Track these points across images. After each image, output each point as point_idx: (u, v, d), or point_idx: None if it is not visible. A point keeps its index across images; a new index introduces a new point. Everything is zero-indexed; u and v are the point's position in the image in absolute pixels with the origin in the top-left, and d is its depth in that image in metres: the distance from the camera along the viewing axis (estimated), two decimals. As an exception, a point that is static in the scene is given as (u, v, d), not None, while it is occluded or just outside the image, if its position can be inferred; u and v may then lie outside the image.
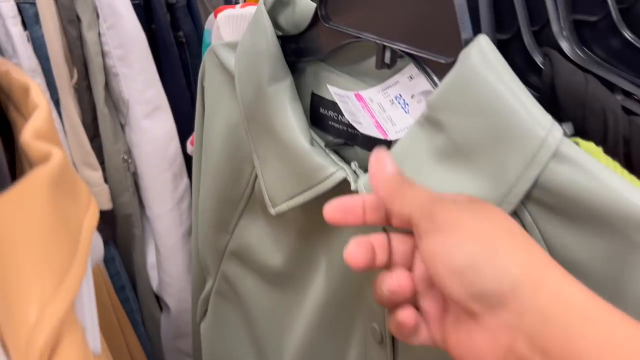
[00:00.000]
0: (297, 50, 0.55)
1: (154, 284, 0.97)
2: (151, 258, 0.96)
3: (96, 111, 0.85)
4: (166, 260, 0.94)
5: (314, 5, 0.53)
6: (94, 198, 0.43)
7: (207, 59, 0.62)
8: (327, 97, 0.54)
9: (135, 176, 0.91)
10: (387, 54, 0.47)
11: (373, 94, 0.49)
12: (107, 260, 0.92)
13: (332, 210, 0.39)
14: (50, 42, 0.80)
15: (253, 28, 0.54)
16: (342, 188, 0.47)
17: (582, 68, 0.41)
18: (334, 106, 0.54)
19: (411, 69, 0.47)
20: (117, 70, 0.83)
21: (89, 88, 0.84)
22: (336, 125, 0.54)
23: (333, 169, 0.48)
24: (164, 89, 0.87)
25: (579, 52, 0.43)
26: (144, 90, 0.85)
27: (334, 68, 0.54)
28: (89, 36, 0.82)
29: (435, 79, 0.43)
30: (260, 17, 0.53)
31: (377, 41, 0.47)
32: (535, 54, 0.45)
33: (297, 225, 0.56)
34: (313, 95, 0.55)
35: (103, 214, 0.89)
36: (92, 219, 0.41)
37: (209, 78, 0.62)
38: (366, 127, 0.48)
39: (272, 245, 0.60)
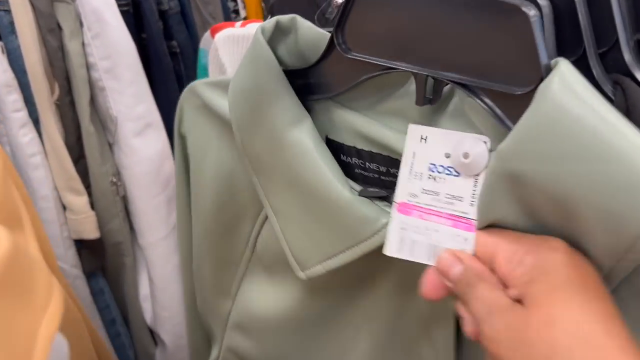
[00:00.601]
0: (304, 87, 0.45)
1: (148, 317, 0.88)
2: (144, 289, 0.87)
3: (80, 130, 0.77)
4: (160, 292, 0.85)
5: (321, 32, 0.44)
6: (57, 291, 0.34)
7: (185, 101, 0.53)
8: (348, 142, 0.45)
9: (125, 200, 0.82)
10: (430, 86, 0.39)
11: (407, 189, 0.41)
12: (96, 293, 0.83)
13: (428, 289, 0.39)
14: (27, 53, 0.71)
15: (251, 63, 0.44)
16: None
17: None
18: (357, 154, 0.44)
19: (416, 130, 0.40)
20: (103, 83, 0.75)
21: (72, 104, 0.76)
22: (365, 173, 0.45)
23: (385, 219, 0.41)
24: (156, 103, 0.79)
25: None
26: (134, 105, 0.76)
27: (346, 105, 0.45)
28: (72, 46, 0.73)
29: (500, 113, 0.36)
30: (259, 50, 0.43)
31: (418, 72, 0.38)
32: (605, 84, 0.39)
33: (323, 286, 0.48)
34: (329, 141, 0.46)
35: (90, 242, 0.80)
36: (50, 324, 0.32)
37: (191, 124, 0.54)
38: (444, 232, 0.39)
39: (285, 313, 0.52)
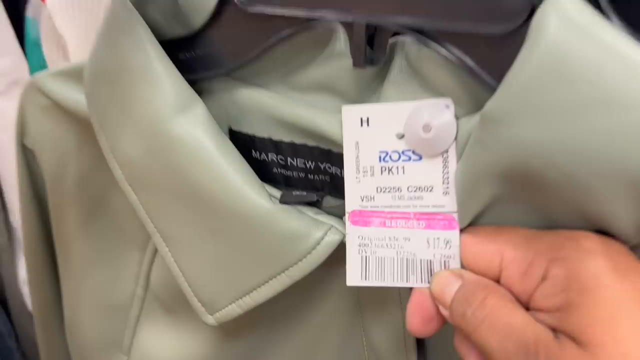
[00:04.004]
0: (191, 61, 0.33)
1: (29, 301, 0.74)
2: (23, 272, 0.75)
3: None
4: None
5: None
6: None
7: (27, 103, 0.39)
8: (260, 133, 0.33)
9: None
10: (379, 41, 0.28)
11: (357, 192, 0.30)
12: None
13: (418, 323, 0.29)
14: None
15: (111, 35, 0.32)
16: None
17: None
18: (275, 147, 0.33)
19: (352, 113, 0.29)
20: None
21: None
22: (287, 172, 0.34)
23: (320, 232, 0.30)
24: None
25: None
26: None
27: (252, 82, 0.33)
28: None
29: (472, 64, 0.26)
30: (121, 14, 0.31)
31: (354, 20, 0.27)
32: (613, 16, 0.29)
33: (245, 324, 0.37)
34: (234, 133, 0.34)
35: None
36: None
37: (38, 133, 0.40)
38: (418, 238, 0.29)
39: (200, 357, 0.39)
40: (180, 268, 0.33)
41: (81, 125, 0.37)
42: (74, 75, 0.37)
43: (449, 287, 0.27)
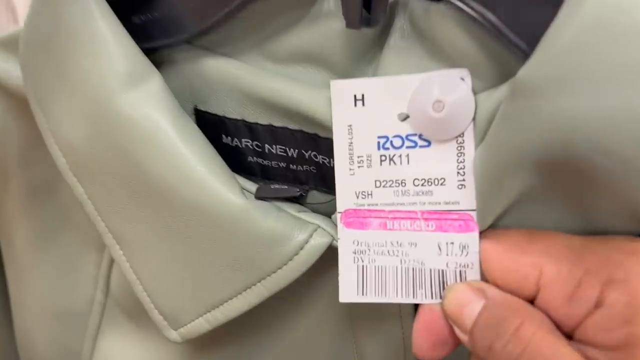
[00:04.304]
0: (146, 26, 0.27)
1: None
2: None
3: None
4: None
5: None
6: None
7: None
8: (232, 114, 0.27)
9: None
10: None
11: (350, 186, 0.25)
12: None
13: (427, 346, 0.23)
14: None
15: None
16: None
17: None
18: (249, 131, 0.27)
19: (343, 89, 0.24)
20: None
21: None
22: (264, 162, 0.28)
23: (303, 234, 0.25)
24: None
25: None
26: None
27: (220, 51, 0.27)
28: None
29: (495, 19, 0.20)
30: None
31: None
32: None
33: (218, 334, 0.31)
34: (200, 114, 0.28)
35: None
36: None
37: None
38: (427, 243, 0.24)
39: None
40: (137, 275, 0.28)
41: (19, 104, 0.31)
42: (10, 45, 0.31)
43: (469, 306, 0.22)
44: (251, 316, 0.28)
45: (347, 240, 0.24)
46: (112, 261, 0.35)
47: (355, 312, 0.30)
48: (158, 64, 0.27)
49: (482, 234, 0.23)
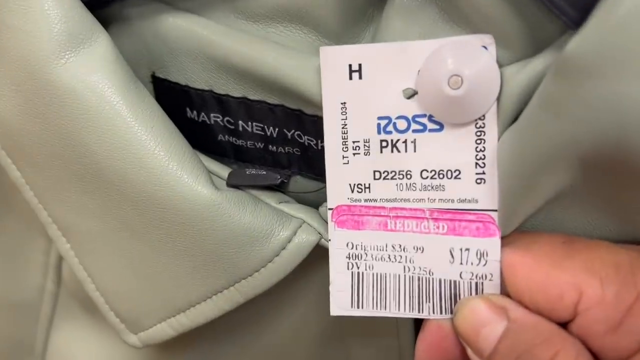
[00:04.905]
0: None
1: None
2: None
3: None
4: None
5: None
6: None
7: None
8: (198, 84, 0.22)
9: None
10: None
11: (343, 177, 0.21)
12: None
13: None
14: None
15: None
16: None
17: None
18: (219, 105, 0.23)
19: (336, 57, 0.19)
20: None
21: None
22: (238, 141, 0.24)
23: (286, 231, 0.22)
24: None
25: None
26: None
27: (184, 7, 0.22)
28: None
29: None
30: None
31: None
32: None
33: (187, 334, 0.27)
34: (159, 82, 0.23)
35: None
36: None
37: None
38: (435, 247, 0.20)
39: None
40: (89, 273, 0.24)
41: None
42: None
43: (488, 327, 0.18)
44: (225, 314, 0.24)
45: (339, 242, 0.21)
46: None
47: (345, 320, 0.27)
48: (107, 22, 0.22)
49: (505, 239, 0.19)
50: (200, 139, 0.23)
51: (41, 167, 0.22)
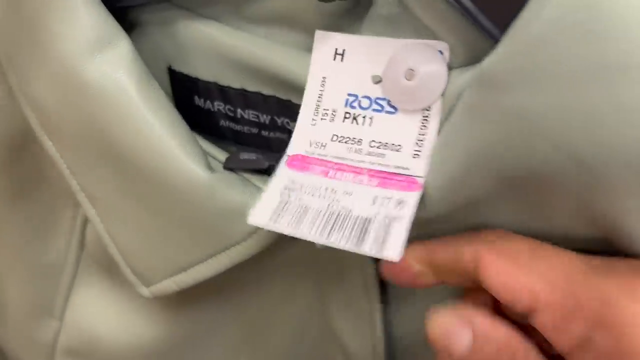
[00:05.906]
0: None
1: None
2: None
3: None
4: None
5: None
6: None
7: None
8: (205, 76, 0.27)
9: None
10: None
11: (308, 135, 0.25)
12: None
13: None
14: None
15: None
16: None
17: None
18: (222, 94, 0.27)
19: (327, 40, 0.24)
20: None
21: None
22: (237, 127, 0.28)
23: None
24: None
25: None
26: None
27: (201, 12, 0.27)
28: None
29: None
30: None
31: None
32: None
33: (193, 295, 0.32)
34: (174, 74, 0.28)
35: None
36: None
37: None
38: (360, 194, 0.23)
39: (141, 334, 0.35)
40: (110, 235, 0.29)
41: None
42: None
43: (455, 338, 0.22)
44: (219, 283, 0.29)
45: (282, 177, 0.24)
46: (87, 218, 0.36)
47: (325, 284, 0.31)
48: (132, 25, 0.27)
49: (488, 239, 0.22)
50: (205, 123, 0.27)
51: (72, 145, 0.27)
